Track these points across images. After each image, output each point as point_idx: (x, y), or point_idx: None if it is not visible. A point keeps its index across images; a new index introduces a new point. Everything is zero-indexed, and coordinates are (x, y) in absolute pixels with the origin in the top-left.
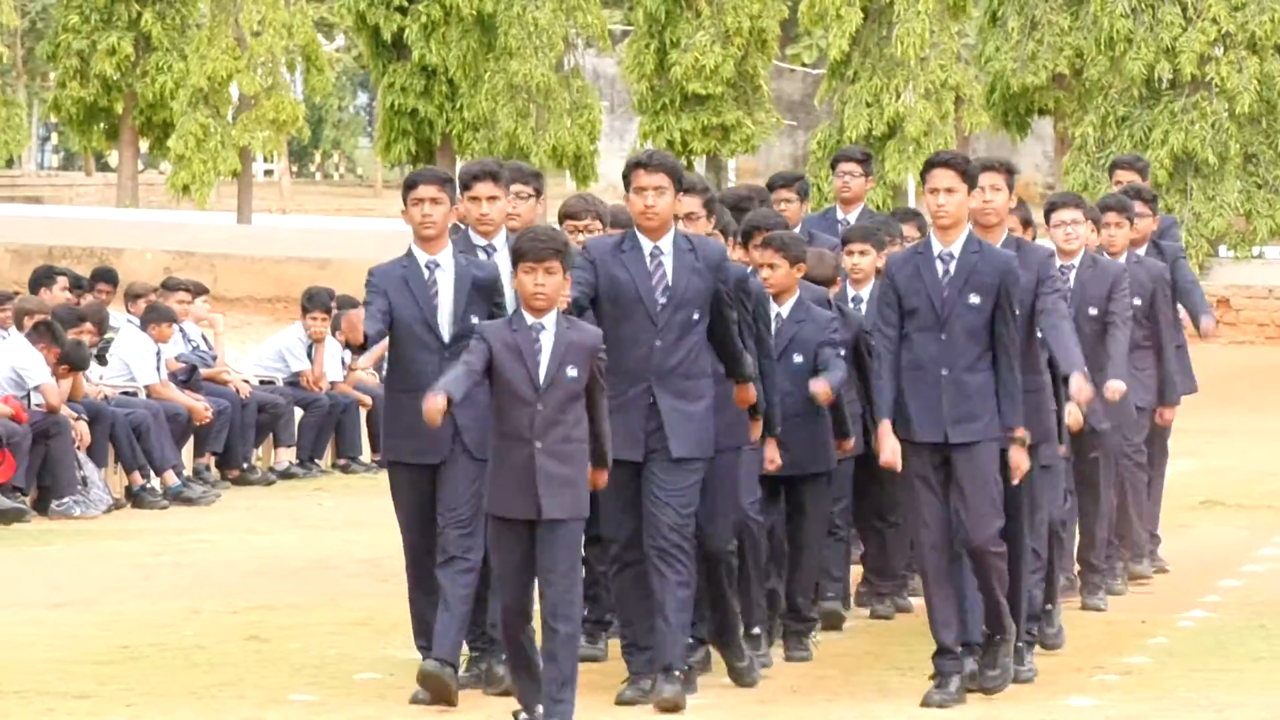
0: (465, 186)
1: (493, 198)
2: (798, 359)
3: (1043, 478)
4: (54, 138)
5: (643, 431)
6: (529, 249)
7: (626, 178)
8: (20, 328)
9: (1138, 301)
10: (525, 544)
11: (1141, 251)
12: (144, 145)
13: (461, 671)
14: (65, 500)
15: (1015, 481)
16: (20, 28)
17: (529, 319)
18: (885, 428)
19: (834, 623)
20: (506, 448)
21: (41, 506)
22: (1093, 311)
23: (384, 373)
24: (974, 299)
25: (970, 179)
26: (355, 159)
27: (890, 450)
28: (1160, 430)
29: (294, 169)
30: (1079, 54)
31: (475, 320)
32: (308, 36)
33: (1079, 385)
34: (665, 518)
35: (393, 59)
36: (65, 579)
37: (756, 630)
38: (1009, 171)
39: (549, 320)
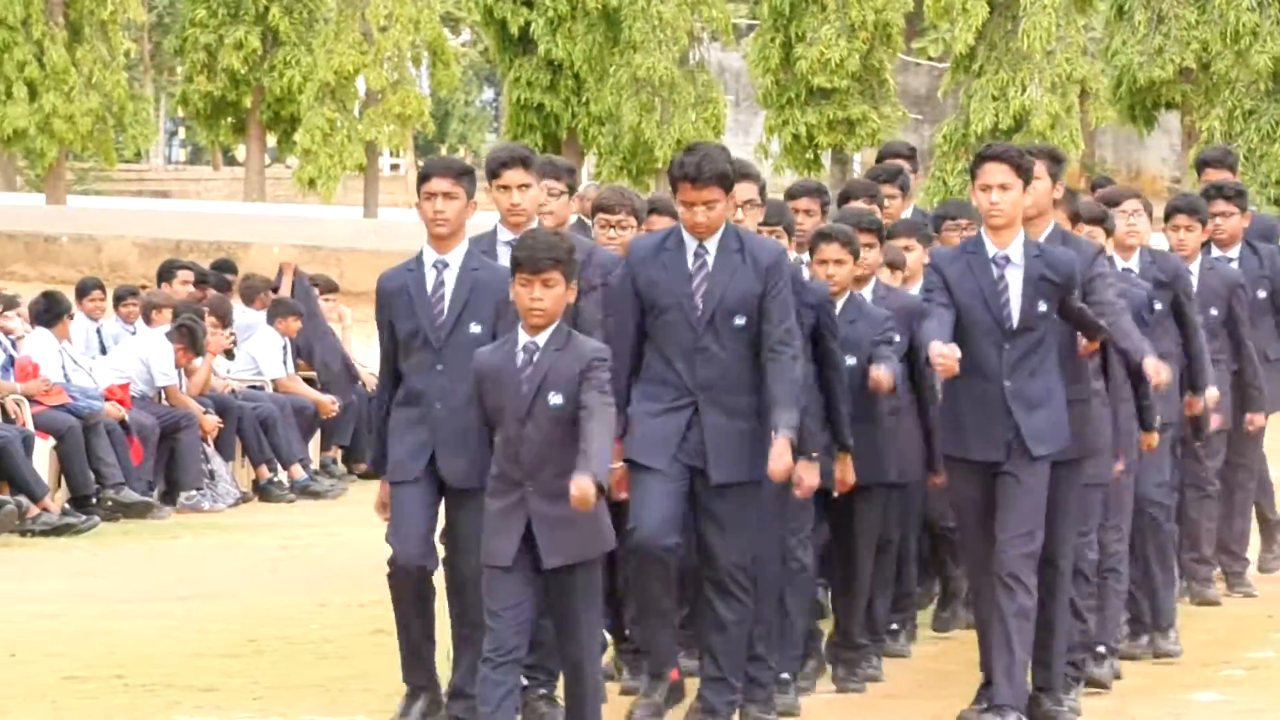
0: (494, 174)
1: (524, 185)
2: (850, 361)
3: (1089, 497)
4: (181, 132)
5: (675, 442)
6: (525, 259)
7: (673, 185)
8: (148, 321)
9: (1214, 312)
10: (531, 591)
11: (1234, 253)
12: (271, 140)
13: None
14: (193, 494)
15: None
16: (148, 22)
17: (522, 338)
18: (936, 345)
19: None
20: (498, 489)
21: (169, 500)
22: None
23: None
24: (1042, 307)
25: (1025, 174)
26: (481, 153)
27: (940, 351)
28: (1244, 445)
29: (420, 163)
30: (1205, 47)
31: (475, 327)
32: (434, 31)
33: (1154, 367)
34: (723, 552)
35: (519, 53)
36: (192, 572)
37: (785, 675)
38: (1054, 159)
39: (543, 338)
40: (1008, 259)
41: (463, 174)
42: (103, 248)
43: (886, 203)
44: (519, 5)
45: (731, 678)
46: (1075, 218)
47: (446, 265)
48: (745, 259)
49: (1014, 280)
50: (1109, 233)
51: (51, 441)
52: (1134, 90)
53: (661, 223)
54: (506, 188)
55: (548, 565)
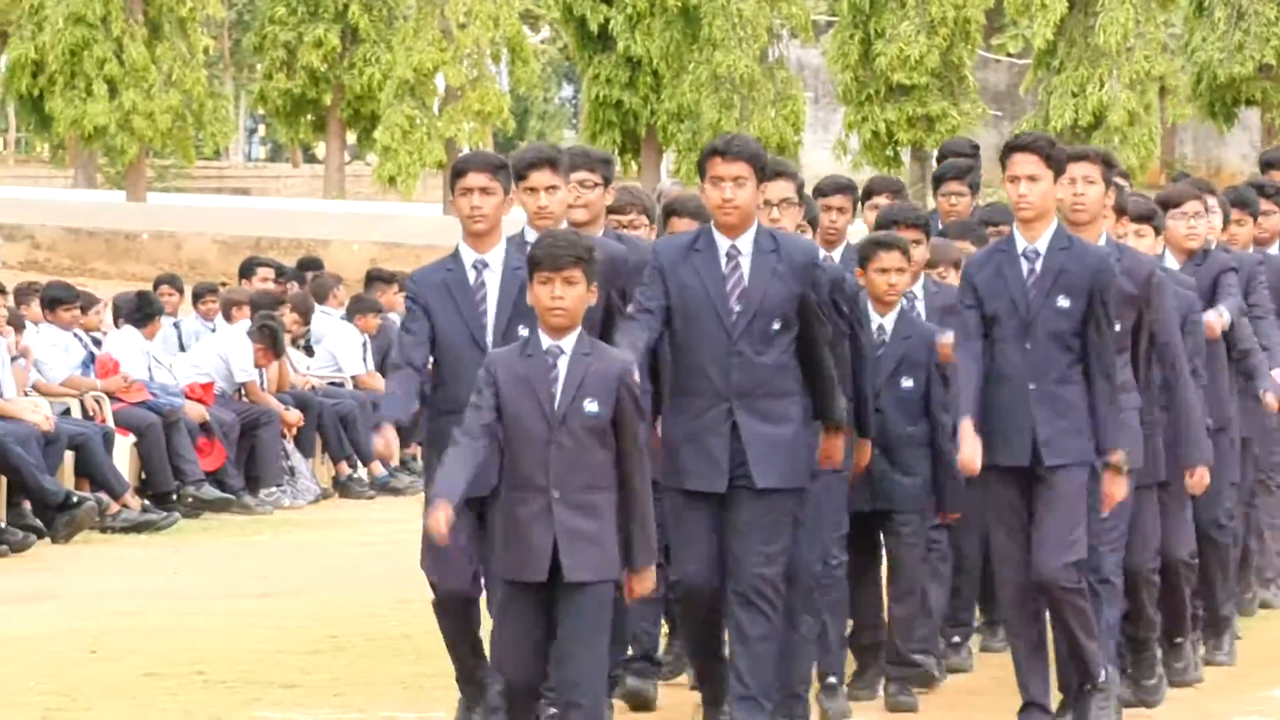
0: (520, 176)
1: (551, 187)
2: (907, 384)
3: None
4: (261, 129)
5: (725, 459)
6: (544, 256)
7: (702, 166)
8: (228, 318)
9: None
10: (544, 610)
11: (1274, 249)
12: (351, 137)
13: None
14: (273, 490)
15: (1104, 513)
16: (227, 19)
17: (545, 341)
18: (967, 425)
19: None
20: (517, 499)
21: (251, 493)
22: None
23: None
24: (1063, 302)
25: (1056, 165)
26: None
27: (970, 450)
28: None
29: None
30: None
31: (523, 331)
32: (514, 28)
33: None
34: (750, 560)
35: (598, 50)
36: (272, 569)
37: (832, 680)
38: (1106, 163)
39: (568, 343)
40: (1038, 253)
41: (500, 169)
42: (182, 245)
43: (954, 200)
44: (598, 2)
45: (761, 697)
46: (1120, 212)
47: (486, 265)
48: (780, 258)
49: (1039, 273)
50: (1157, 231)
51: (132, 438)
52: (1214, 87)
53: (682, 225)
54: (534, 189)
55: (570, 579)
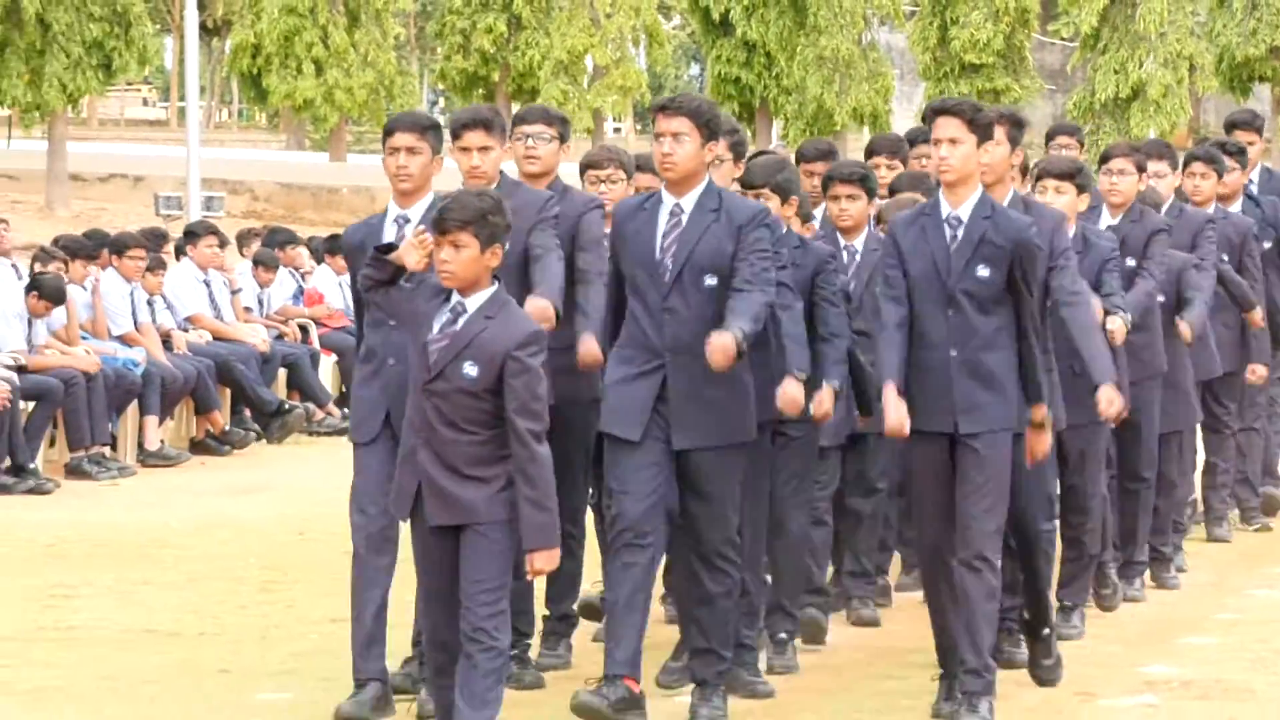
0: (455, 135)
1: (485, 148)
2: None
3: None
4: (441, 102)
5: (646, 410)
6: (436, 217)
7: (654, 124)
8: None
9: (1225, 258)
10: (450, 556)
11: (1237, 207)
12: (515, 108)
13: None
14: None
15: (1030, 465)
16: (414, 10)
17: (454, 295)
18: (891, 390)
19: (815, 635)
20: (406, 434)
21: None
22: (1130, 263)
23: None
24: (983, 271)
25: (981, 130)
26: None
27: (896, 415)
28: (1254, 390)
29: (638, 127)
30: None
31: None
32: (651, 16)
33: (1108, 398)
34: (709, 525)
35: (720, 35)
36: None
37: (783, 635)
38: (1014, 123)
39: (473, 300)
40: (960, 220)
41: (428, 129)
42: (376, 198)
43: (885, 171)
44: None
45: (720, 648)
46: (1024, 171)
47: (408, 220)
48: (721, 217)
49: (960, 240)
50: (1081, 189)
51: (334, 358)
52: (1233, 65)
53: (645, 180)
54: (467, 149)
55: (432, 523)
